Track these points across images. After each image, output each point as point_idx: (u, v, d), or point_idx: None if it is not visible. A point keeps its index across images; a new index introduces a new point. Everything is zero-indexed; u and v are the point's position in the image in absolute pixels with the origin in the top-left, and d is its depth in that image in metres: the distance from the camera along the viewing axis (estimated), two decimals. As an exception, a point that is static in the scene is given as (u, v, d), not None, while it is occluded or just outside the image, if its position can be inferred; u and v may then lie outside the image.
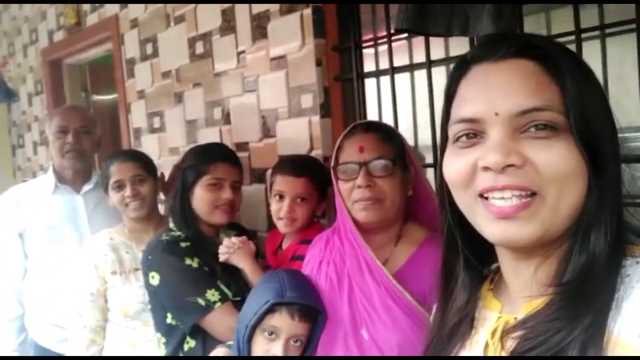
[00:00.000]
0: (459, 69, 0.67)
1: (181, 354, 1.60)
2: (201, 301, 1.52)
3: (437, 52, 1.69)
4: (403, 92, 1.78)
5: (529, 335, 0.58)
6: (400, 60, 1.78)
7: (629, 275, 0.55)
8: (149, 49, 2.73)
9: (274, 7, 2.01)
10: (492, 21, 1.01)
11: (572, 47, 1.38)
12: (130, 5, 2.82)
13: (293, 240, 1.69)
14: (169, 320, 1.60)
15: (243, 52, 2.17)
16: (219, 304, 1.52)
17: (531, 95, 0.60)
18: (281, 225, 1.67)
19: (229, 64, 2.24)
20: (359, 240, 1.29)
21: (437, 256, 1.23)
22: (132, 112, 2.93)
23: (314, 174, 1.67)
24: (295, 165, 1.69)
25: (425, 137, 1.71)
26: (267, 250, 1.83)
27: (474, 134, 0.62)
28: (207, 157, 1.68)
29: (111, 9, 2.98)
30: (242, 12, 2.15)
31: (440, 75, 1.68)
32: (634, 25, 1.25)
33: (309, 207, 1.65)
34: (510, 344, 0.61)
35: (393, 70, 1.77)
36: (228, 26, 2.23)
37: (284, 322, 1.24)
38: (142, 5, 2.73)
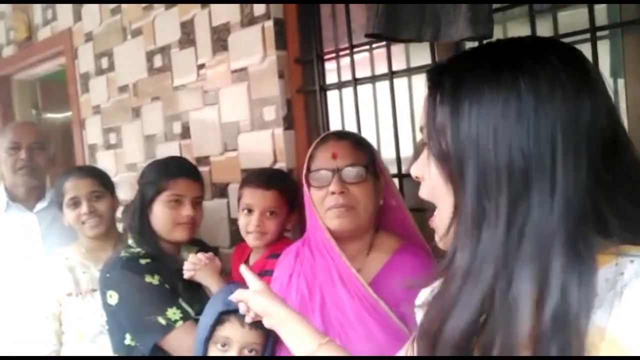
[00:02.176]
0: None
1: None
2: (162, 320, 1.46)
3: (398, 64, 1.71)
4: (365, 103, 1.79)
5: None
6: (362, 72, 1.79)
7: (622, 273, 0.56)
8: (104, 63, 2.66)
9: (235, 19, 1.99)
10: (468, 25, 1.02)
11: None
12: (85, 19, 2.75)
13: (261, 254, 1.66)
14: (127, 341, 1.53)
15: (203, 65, 2.14)
16: (180, 322, 1.47)
17: (422, 115, 0.68)
18: (250, 239, 1.64)
19: (188, 77, 2.21)
20: (334, 248, 1.28)
21: (411, 265, 1.25)
22: (87, 128, 2.84)
23: (283, 187, 1.65)
24: (264, 178, 1.67)
25: (389, 149, 1.72)
26: (232, 265, 1.79)
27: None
28: (167, 173, 1.63)
29: (64, 22, 2.90)
30: (201, 25, 2.13)
31: (402, 86, 1.70)
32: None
33: (278, 220, 1.63)
34: None
35: (356, 82, 1.77)
36: (187, 39, 2.20)
37: (234, 332, 1.22)
38: (97, 19, 2.67)
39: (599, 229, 0.58)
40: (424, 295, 0.82)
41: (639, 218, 0.59)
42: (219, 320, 1.22)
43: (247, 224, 1.62)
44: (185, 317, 1.49)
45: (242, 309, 1.18)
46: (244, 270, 1.18)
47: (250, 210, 1.63)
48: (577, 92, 0.58)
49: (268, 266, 1.56)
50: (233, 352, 1.21)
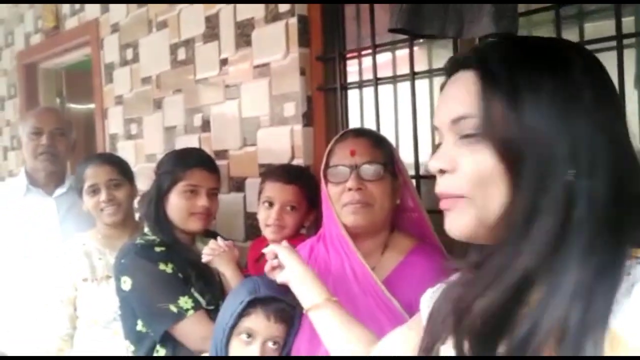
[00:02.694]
0: (445, 82, 0.72)
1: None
2: (173, 308, 1.48)
3: (420, 65, 1.70)
4: (386, 104, 1.78)
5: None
6: (384, 73, 1.79)
7: (629, 274, 0.56)
8: (129, 54, 2.69)
9: (259, 15, 2.00)
10: (492, 21, 1.02)
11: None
12: (112, 10, 2.79)
13: None
14: (139, 327, 1.55)
15: (226, 59, 2.16)
16: (191, 311, 1.48)
17: (459, 104, 0.65)
18: (268, 233, 1.65)
19: (211, 71, 2.23)
20: (348, 244, 1.28)
21: (425, 265, 1.24)
22: (109, 118, 2.88)
23: (304, 182, 1.66)
24: (286, 172, 1.68)
25: (408, 150, 1.71)
26: (249, 259, 1.80)
27: (441, 141, 0.69)
28: (184, 163, 1.64)
29: (91, 13, 2.94)
30: (226, 20, 2.14)
31: (423, 87, 1.69)
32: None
33: (297, 215, 1.64)
34: None
35: (377, 82, 1.77)
36: (212, 33, 2.21)
37: (259, 324, 1.22)
38: (123, 10, 2.70)
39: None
40: (430, 294, 0.83)
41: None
42: (245, 311, 1.22)
43: (267, 217, 1.64)
44: (197, 306, 1.50)
45: (269, 255, 1.24)
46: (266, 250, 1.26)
47: (270, 204, 1.64)
48: (614, 94, 0.64)
49: None
50: (256, 344, 1.22)
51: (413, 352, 0.84)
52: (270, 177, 1.68)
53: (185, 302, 1.49)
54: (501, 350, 0.60)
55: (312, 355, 1.20)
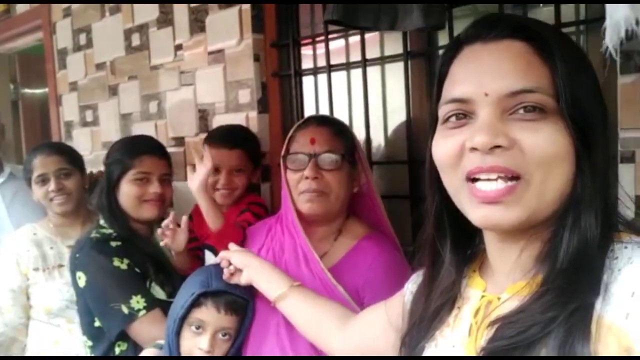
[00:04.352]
0: (452, 49, 0.67)
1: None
2: (125, 308, 1.45)
3: (373, 52, 1.72)
4: (340, 90, 1.80)
5: (512, 319, 0.58)
6: (339, 58, 1.80)
7: (617, 258, 0.56)
8: (82, 39, 2.63)
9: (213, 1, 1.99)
10: (421, 16, 1.04)
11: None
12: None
13: (229, 209, 1.69)
14: (97, 324, 1.53)
15: (180, 45, 2.13)
16: (143, 312, 1.46)
17: (521, 77, 0.59)
18: (219, 197, 1.68)
19: (166, 57, 2.20)
20: (300, 231, 1.30)
21: (375, 253, 1.27)
22: (64, 104, 2.81)
23: (248, 145, 1.71)
24: (228, 137, 1.72)
25: (360, 135, 1.74)
26: (196, 225, 1.80)
27: (464, 114, 0.62)
28: (132, 151, 1.62)
29: (43, -4, 2.86)
30: (180, 5, 2.12)
31: (375, 74, 1.71)
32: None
33: (244, 177, 1.70)
34: (492, 327, 0.61)
35: (330, 68, 1.78)
36: (165, 19, 2.18)
37: (210, 315, 1.23)
38: (75, -6, 2.63)
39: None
40: (413, 279, 0.83)
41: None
42: (196, 303, 1.23)
43: (216, 183, 1.67)
44: (151, 305, 1.48)
45: (223, 263, 1.25)
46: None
47: (217, 170, 1.67)
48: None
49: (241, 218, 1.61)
50: (207, 335, 1.22)
51: (385, 330, 0.86)
52: (213, 144, 1.71)
53: (137, 301, 1.47)
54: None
55: (314, 356, 1.20)
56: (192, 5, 2.07)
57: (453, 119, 0.63)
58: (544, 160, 0.58)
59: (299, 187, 1.29)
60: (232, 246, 1.28)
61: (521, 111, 0.59)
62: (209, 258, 1.71)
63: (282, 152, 1.34)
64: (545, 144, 0.58)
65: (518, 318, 0.58)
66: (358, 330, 0.97)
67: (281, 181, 1.35)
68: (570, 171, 0.59)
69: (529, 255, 0.62)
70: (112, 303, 1.46)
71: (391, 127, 1.71)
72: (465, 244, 0.73)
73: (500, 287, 0.67)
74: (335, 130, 1.33)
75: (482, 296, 0.68)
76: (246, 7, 1.88)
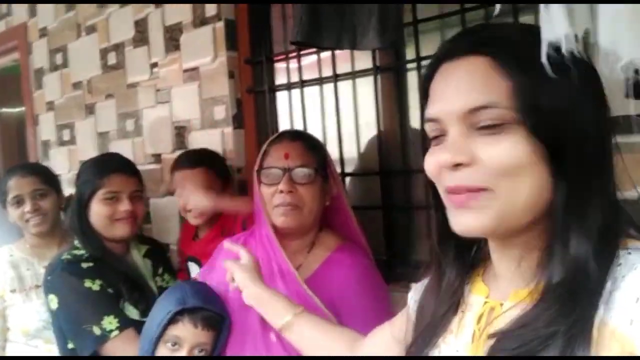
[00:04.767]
0: (431, 66, 0.68)
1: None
2: (97, 330, 1.45)
3: (344, 67, 1.76)
4: (313, 105, 1.83)
5: (514, 333, 0.59)
6: (312, 74, 1.84)
7: (620, 264, 0.56)
8: (58, 59, 2.64)
9: (187, 19, 2.02)
10: (377, 35, 1.07)
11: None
12: (40, 14, 2.73)
13: (209, 230, 1.71)
14: (70, 345, 1.52)
15: (156, 63, 2.16)
16: (116, 332, 1.45)
17: (478, 93, 0.60)
18: (190, 218, 1.70)
19: (142, 75, 2.22)
20: (275, 244, 1.32)
21: (348, 264, 1.30)
22: (41, 124, 2.81)
23: (210, 163, 1.72)
24: (190, 157, 1.74)
25: (334, 149, 1.77)
26: (182, 239, 1.82)
27: (441, 133, 0.64)
28: (101, 170, 1.62)
29: (19, 17, 2.86)
30: (155, 24, 2.14)
31: (347, 88, 1.75)
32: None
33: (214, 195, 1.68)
34: (494, 338, 0.62)
35: (302, 84, 1.82)
36: (141, 37, 2.21)
37: (187, 332, 1.23)
38: (51, 14, 2.65)
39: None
40: (418, 288, 0.83)
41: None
42: (172, 320, 1.23)
43: (185, 205, 1.69)
44: (124, 326, 1.47)
45: (228, 276, 1.24)
46: (229, 246, 1.30)
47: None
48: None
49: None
50: (183, 352, 1.22)
51: (389, 347, 0.85)
52: (177, 167, 1.74)
53: (109, 322, 1.46)
54: None
55: (317, 356, 1.22)
56: (167, 23, 2.09)
57: (433, 137, 0.66)
58: (506, 172, 0.59)
59: (273, 200, 1.31)
60: (243, 254, 1.24)
61: (482, 126, 0.60)
62: (193, 270, 1.73)
63: (256, 167, 1.36)
64: (503, 155, 0.59)
65: (520, 333, 0.58)
66: (367, 352, 0.96)
67: (254, 197, 1.37)
68: (541, 180, 0.59)
69: (530, 262, 0.63)
70: (83, 325, 1.45)
71: (363, 140, 1.74)
72: (469, 251, 0.74)
73: (503, 293, 0.67)
74: (308, 144, 1.35)
75: (485, 302, 0.69)
76: (220, 25, 1.91)
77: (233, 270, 1.21)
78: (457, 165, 0.61)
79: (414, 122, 1.63)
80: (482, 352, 0.64)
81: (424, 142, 0.70)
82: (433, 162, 0.64)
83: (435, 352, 0.72)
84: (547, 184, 0.59)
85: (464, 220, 0.62)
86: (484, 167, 0.60)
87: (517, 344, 0.57)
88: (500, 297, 0.67)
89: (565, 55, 0.55)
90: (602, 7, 0.54)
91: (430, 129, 0.66)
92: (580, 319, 0.54)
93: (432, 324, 0.73)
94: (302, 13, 1.14)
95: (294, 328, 1.08)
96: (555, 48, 0.55)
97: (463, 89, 0.61)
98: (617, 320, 0.53)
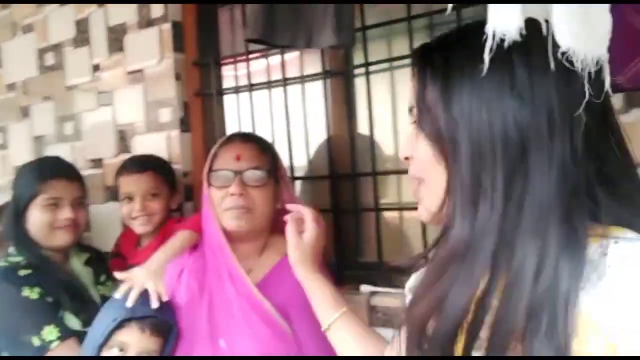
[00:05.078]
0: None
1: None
2: (36, 340, 1.37)
3: (292, 72, 1.77)
4: (261, 108, 1.83)
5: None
6: (261, 78, 1.83)
7: (605, 254, 0.55)
8: (-9, 59, 2.51)
9: (132, 20, 1.97)
10: (333, 33, 1.09)
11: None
12: (-30, 12, 2.58)
13: (154, 238, 1.65)
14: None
15: (98, 65, 2.09)
16: (56, 342, 1.38)
17: (410, 96, 0.69)
18: (137, 225, 1.64)
19: (83, 77, 2.14)
20: (225, 248, 1.29)
21: None
22: (-30, 127, 2.65)
23: (158, 168, 1.67)
24: (137, 162, 1.68)
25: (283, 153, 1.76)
26: (124, 248, 1.75)
27: None
28: (40, 175, 1.53)
29: (-54, 14, 2.70)
30: (97, 24, 2.08)
31: (295, 93, 1.75)
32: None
33: (161, 201, 1.64)
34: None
35: (251, 87, 1.81)
36: (82, 38, 2.13)
37: (133, 337, 1.19)
38: (-17, 12, 2.51)
39: (588, 209, 0.58)
40: (414, 279, 0.83)
41: (627, 198, 0.59)
42: (118, 326, 1.18)
43: (131, 211, 1.63)
44: (64, 335, 1.40)
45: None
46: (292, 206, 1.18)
47: (130, 198, 1.63)
48: (570, 63, 0.57)
49: None
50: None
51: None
52: (123, 171, 1.68)
53: (49, 332, 1.39)
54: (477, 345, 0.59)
55: (321, 356, 1.19)
56: (110, 24, 2.03)
57: None
58: (423, 167, 0.68)
59: (223, 204, 1.28)
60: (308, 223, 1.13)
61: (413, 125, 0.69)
62: None
63: (205, 169, 1.33)
64: (420, 152, 0.67)
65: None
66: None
67: (202, 200, 1.34)
68: (444, 174, 0.65)
69: None
70: (22, 335, 1.38)
71: (312, 144, 1.75)
72: None
73: None
74: (259, 147, 1.34)
75: None
76: (166, 26, 1.88)
77: (289, 247, 1.12)
78: (407, 159, 0.71)
79: (363, 126, 1.65)
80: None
81: None
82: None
83: None
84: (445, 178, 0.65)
85: (419, 207, 0.72)
86: (417, 160, 0.69)
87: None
88: None
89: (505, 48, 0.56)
90: (556, 6, 0.56)
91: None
92: (554, 308, 0.54)
93: None
94: (256, 10, 1.13)
95: (338, 327, 1.03)
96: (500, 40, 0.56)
97: (409, 92, 0.70)
98: (601, 310, 0.53)
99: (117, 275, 1.27)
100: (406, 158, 0.71)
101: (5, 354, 1.43)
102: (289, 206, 1.18)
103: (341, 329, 1.02)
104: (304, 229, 1.13)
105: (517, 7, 0.55)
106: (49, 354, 1.37)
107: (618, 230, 0.57)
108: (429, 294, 0.63)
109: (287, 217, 1.15)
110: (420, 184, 0.69)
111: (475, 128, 0.60)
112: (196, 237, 1.37)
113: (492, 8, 0.55)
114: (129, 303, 1.20)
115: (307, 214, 1.14)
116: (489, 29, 0.56)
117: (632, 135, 0.63)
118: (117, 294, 1.23)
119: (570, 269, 0.54)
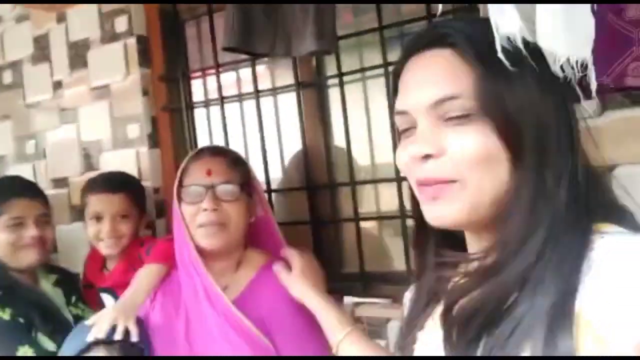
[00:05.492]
0: (400, 61, 0.68)
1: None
2: None
3: (265, 84, 1.76)
4: (233, 122, 1.80)
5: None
6: (230, 91, 1.81)
7: (593, 249, 0.56)
8: (-58, 77, 2.40)
9: (94, 35, 1.92)
10: (314, 39, 1.08)
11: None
12: None
13: (119, 260, 1.60)
14: None
15: (60, 82, 2.02)
16: None
17: (444, 84, 0.60)
18: (103, 247, 1.58)
19: (43, 94, 2.07)
20: (199, 266, 1.25)
21: (276, 281, 1.26)
22: None
23: (131, 189, 1.63)
24: (109, 181, 1.63)
25: (257, 166, 1.75)
26: (89, 270, 1.69)
27: (411, 125, 0.64)
28: (0, 196, 1.50)
29: None
30: (58, 40, 2.02)
31: (268, 105, 1.74)
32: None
33: (131, 223, 1.60)
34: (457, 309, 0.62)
35: (222, 100, 1.78)
36: (42, 54, 2.06)
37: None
38: None
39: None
40: (412, 288, 0.81)
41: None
42: (87, 349, 1.14)
43: (99, 232, 1.57)
44: (40, 355, 1.36)
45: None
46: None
47: (99, 218, 1.58)
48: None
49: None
50: None
51: None
52: (93, 189, 1.62)
53: (25, 352, 1.34)
54: (484, 342, 0.58)
55: (319, 356, 1.17)
56: (71, 39, 1.98)
57: (403, 130, 0.66)
58: (472, 163, 0.59)
59: (196, 220, 1.25)
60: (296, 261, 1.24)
61: (449, 117, 0.61)
62: (107, 302, 1.61)
63: (175, 185, 1.29)
64: (471, 147, 0.59)
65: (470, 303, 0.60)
66: None
67: (173, 217, 1.30)
68: (507, 171, 0.60)
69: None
70: None
71: (287, 155, 1.74)
72: (451, 246, 0.72)
73: None
74: (230, 160, 1.31)
75: None
76: (131, 41, 1.84)
77: (289, 288, 1.21)
78: (426, 157, 0.61)
79: (338, 137, 1.65)
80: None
81: (395, 137, 0.72)
82: (403, 155, 0.64)
83: (417, 342, 0.72)
84: (509, 174, 0.60)
85: (436, 212, 0.63)
86: (453, 158, 0.60)
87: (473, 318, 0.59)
88: None
89: (520, 47, 0.57)
90: (539, 7, 0.56)
91: (400, 122, 0.66)
92: (558, 304, 0.54)
93: (412, 317, 0.74)
94: (233, 18, 1.12)
95: (345, 346, 1.08)
96: (509, 41, 0.57)
97: (429, 80, 0.62)
98: (589, 305, 0.52)
99: (88, 322, 1.21)
100: (425, 157, 0.61)
101: None
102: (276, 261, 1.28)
103: (348, 349, 1.06)
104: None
105: (515, 9, 0.55)
106: None
107: (605, 225, 0.58)
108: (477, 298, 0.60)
109: (275, 269, 1.26)
110: (447, 186, 0.61)
111: (539, 119, 0.59)
112: (164, 270, 1.33)
113: (492, 8, 0.56)
114: (92, 336, 1.15)
115: (289, 254, 1.26)
116: (493, 28, 0.57)
117: (606, 137, 0.65)
118: (89, 322, 1.19)
119: (571, 272, 0.55)
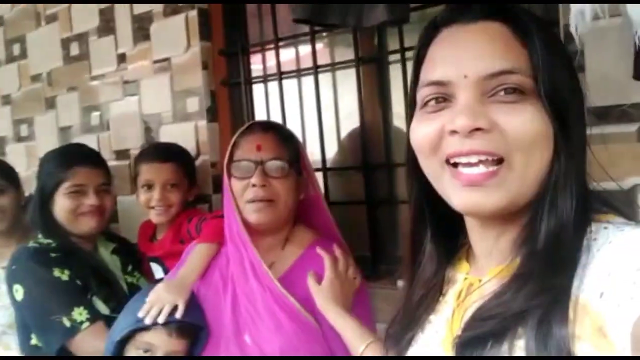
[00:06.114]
0: (429, 32, 0.66)
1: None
2: (66, 321, 1.37)
3: (324, 59, 1.71)
4: (291, 97, 1.78)
5: (488, 305, 0.58)
6: (288, 67, 1.78)
7: (595, 239, 0.55)
8: (16, 49, 2.49)
9: (157, 8, 1.93)
10: (386, 10, 1.04)
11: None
12: (-5, 3, 2.57)
13: (168, 230, 1.64)
14: (33, 341, 1.43)
15: (124, 54, 2.05)
16: (86, 324, 1.38)
17: (499, 58, 0.58)
18: (154, 215, 1.62)
19: (108, 67, 2.11)
20: (247, 242, 1.25)
21: (322, 260, 1.24)
22: (-4, 119, 2.65)
23: (180, 159, 1.66)
24: (160, 151, 1.66)
25: (314, 143, 1.72)
26: (140, 240, 1.74)
27: (443, 98, 0.61)
28: (64, 163, 1.54)
29: (-29, 5, 2.69)
30: (122, 13, 2.04)
31: (326, 81, 1.70)
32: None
33: (180, 193, 1.63)
34: (471, 307, 0.61)
35: (281, 75, 1.76)
36: (107, 27, 2.10)
37: (160, 340, 1.18)
38: (7, 3, 2.50)
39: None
40: None
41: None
42: (145, 326, 1.17)
43: (149, 200, 1.61)
44: (94, 318, 1.40)
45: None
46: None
47: (150, 186, 1.61)
48: None
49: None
50: None
51: None
52: (145, 159, 1.66)
53: (79, 313, 1.38)
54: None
55: (318, 356, 1.17)
56: (135, 12, 2.00)
57: (432, 102, 0.62)
58: (525, 143, 0.57)
59: (245, 195, 1.24)
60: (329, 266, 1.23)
61: (501, 93, 0.58)
62: (157, 271, 1.65)
63: (226, 159, 1.29)
64: (525, 126, 0.57)
65: (495, 303, 0.57)
66: None
67: (223, 191, 1.30)
68: (549, 153, 0.58)
69: (508, 239, 0.62)
70: (52, 315, 1.38)
71: (344, 133, 1.70)
72: (447, 233, 0.71)
73: (482, 270, 0.66)
74: (281, 136, 1.30)
75: (465, 278, 0.69)
76: (192, 13, 1.84)
77: (315, 297, 1.20)
78: (473, 132, 0.57)
79: (397, 115, 1.59)
80: (459, 326, 0.63)
81: (411, 110, 0.67)
82: (433, 129, 0.61)
83: (418, 333, 0.71)
84: (551, 159, 0.58)
85: (474, 198, 0.59)
86: (503, 135, 0.57)
87: (489, 314, 0.57)
88: (479, 274, 0.67)
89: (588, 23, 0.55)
90: None
91: (429, 94, 0.62)
92: (556, 291, 0.53)
93: (411, 308, 0.72)
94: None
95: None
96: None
97: (482, 53, 0.59)
98: (588, 294, 0.52)
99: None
100: (476, 130, 0.57)
101: (35, 334, 1.43)
102: (319, 251, 1.26)
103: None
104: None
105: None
106: (80, 335, 1.37)
107: (609, 216, 0.58)
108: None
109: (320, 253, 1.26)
110: (491, 171, 0.58)
111: (578, 100, 0.60)
112: (214, 249, 1.34)
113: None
114: (149, 319, 1.17)
115: (325, 259, 1.23)
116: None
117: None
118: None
119: (570, 257, 0.55)
